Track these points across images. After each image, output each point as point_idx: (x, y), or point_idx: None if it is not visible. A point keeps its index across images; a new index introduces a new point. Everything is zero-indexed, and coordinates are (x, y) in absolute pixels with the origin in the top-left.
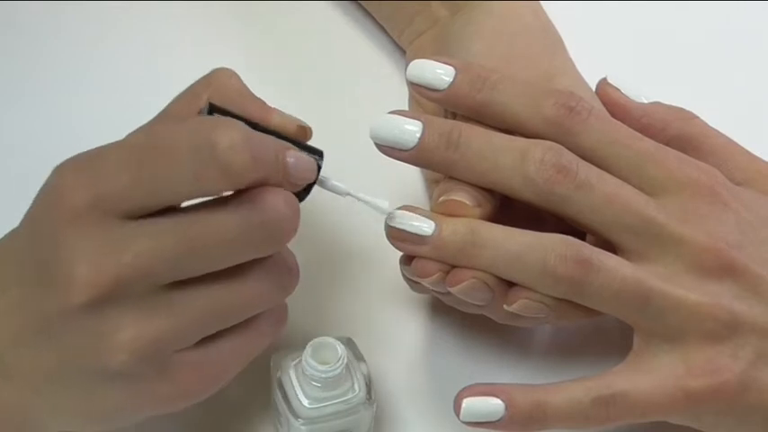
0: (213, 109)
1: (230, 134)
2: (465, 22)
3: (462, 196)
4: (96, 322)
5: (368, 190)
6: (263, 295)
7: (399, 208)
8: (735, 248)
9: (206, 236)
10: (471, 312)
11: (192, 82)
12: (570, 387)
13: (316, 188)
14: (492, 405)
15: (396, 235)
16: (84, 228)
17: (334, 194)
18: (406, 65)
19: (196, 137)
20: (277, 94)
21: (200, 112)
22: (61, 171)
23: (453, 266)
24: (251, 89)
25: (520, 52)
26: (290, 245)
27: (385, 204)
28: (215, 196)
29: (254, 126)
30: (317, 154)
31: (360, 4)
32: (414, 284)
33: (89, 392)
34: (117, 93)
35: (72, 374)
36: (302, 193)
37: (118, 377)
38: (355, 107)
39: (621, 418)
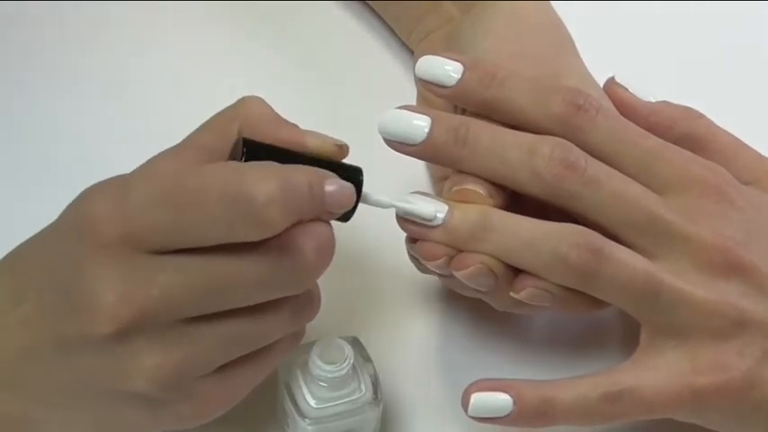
0: (247, 143)
1: (267, 187)
2: (475, 20)
3: (476, 186)
4: (118, 351)
5: (376, 188)
6: (283, 328)
7: (412, 192)
8: (741, 247)
9: (234, 277)
10: (471, 296)
11: (201, 83)
12: (578, 383)
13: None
14: (500, 400)
15: (407, 218)
16: (113, 259)
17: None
18: (414, 64)
19: (231, 187)
20: (282, 93)
21: (234, 146)
22: (91, 198)
23: (460, 251)
24: (256, 88)
25: (530, 51)
26: None
27: (431, 210)
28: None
29: (290, 153)
30: (357, 172)
31: (367, 5)
32: (419, 264)
33: (104, 411)
34: (124, 93)
35: (88, 393)
36: (348, 213)
37: (138, 400)
38: (363, 107)
39: (628, 414)
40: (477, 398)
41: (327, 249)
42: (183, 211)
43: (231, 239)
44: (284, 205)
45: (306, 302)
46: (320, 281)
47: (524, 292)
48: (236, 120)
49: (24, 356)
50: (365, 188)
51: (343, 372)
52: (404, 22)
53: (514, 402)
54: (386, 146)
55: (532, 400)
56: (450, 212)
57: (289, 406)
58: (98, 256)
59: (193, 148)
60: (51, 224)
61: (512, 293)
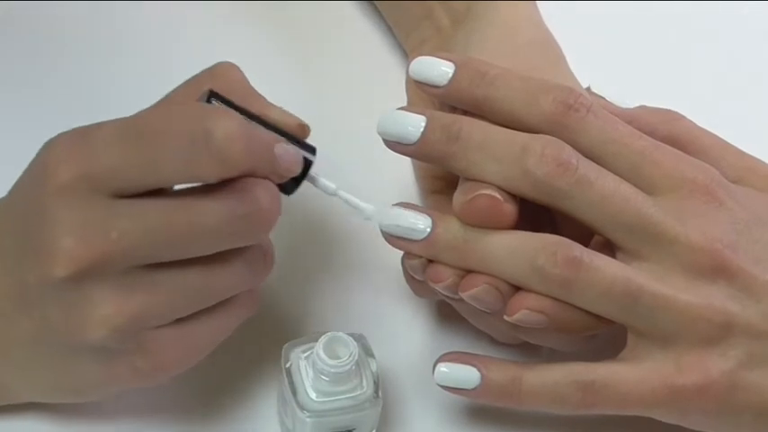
0: (213, 96)
1: (227, 124)
2: (468, 32)
3: (494, 191)
4: (76, 296)
5: (367, 190)
6: (239, 281)
7: (395, 205)
8: (729, 248)
9: (191, 222)
10: (480, 327)
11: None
12: (550, 367)
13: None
14: (467, 372)
15: (391, 232)
16: (71, 201)
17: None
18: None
19: (192, 123)
20: (280, 92)
21: (199, 99)
22: (52, 144)
23: (468, 272)
24: (258, 84)
25: (523, 63)
26: (308, 239)
27: (370, 208)
28: (204, 183)
29: (252, 117)
30: (310, 150)
31: (371, 4)
32: (416, 287)
33: (65, 363)
34: (120, 88)
35: (48, 345)
36: (290, 187)
37: (95, 351)
38: (363, 108)
39: (598, 405)
40: (445, 367)
41: (278, 202)
42: (144, 147)
43: (190, 177)
44: (244, 144)
45: (260, 258)
46: (330, 275)
47: (519, 314)
48: (209, 81)
49: None
50: (314, 171)
51: (347, 368)
52: (402, 27)
53: (481, 376)
54: (384, 147)
55: (500, 377)
56: (433, 224)
57: (289, 396)
58: (56, 198)
59: (167, 104)
60: (15, 182)
61: (505, 317)
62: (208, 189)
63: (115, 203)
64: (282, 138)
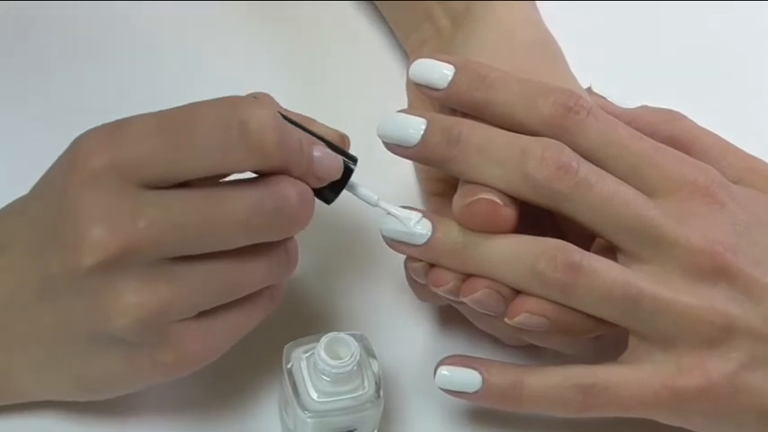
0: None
1: (262, 114)
2: (466, 34)
3: (491, 195)
4: (101, 286)
5: (372, 190)
6: (263, 277)
7: (398, 207)
8: (730, 251)
9: (219, 213)
10: (485, 329)
11: (207, 83)
12: (551, 370)
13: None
14: (469, 376)
15: (393, 236)
16: (100, 191)
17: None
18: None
19: (228, 112)
20: (282, 91)
21: None
22: (83, 137)
23: (469, 276)
24: (253, 88)
25: (521, 65)
26: (310, 239)
27: (415, 218)
28: (236, 173)
29: (297, 125)
30: (351, 160)
31: (372, 5)
32: (418, 290)
33: (86, 357)
34: (125, 93)
35: (70, 338)
36: (330, 195)
37: (117, 343)
38: (363, 109)
39: (599, 408)
40: (447, 370)
41: (309, 201)
42: (177, 136)
43: (223, 166)
44: (278, 135)
45: (282, 254)
46: (332, 275)
47: (519, 317)
48: None
49: (7, 305)
50: (356, 179)
51: (348, 368)
52: (402, 28)
53: (482, 380)
54: (384, 149)
55: (501, 381)
56: (433, 229)
57: (291, 396)
58: (85, 187)
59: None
60: (42, 175)
61: (506, 320)
62: (238, 183)
63: (144, 193)
64: (320, 141)
